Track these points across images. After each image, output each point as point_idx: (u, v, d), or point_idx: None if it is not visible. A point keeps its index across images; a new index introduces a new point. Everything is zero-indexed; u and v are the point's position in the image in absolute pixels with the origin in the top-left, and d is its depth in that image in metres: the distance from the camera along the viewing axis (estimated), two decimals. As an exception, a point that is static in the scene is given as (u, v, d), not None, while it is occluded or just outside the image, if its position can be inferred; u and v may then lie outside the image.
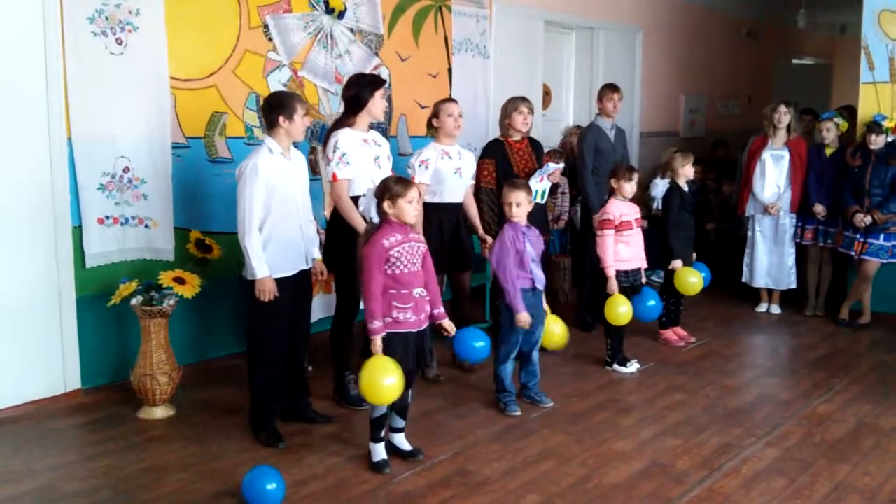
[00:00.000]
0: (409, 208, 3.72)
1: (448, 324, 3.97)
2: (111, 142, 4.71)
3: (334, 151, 4.46)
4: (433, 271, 3.93)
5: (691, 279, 5.63)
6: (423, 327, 3.85)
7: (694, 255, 5.92)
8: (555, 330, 4.71)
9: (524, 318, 4.42)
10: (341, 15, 5.85)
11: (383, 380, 3.55)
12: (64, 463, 3.90)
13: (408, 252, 3.74)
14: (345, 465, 3.87)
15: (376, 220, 3.80)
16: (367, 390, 3.60)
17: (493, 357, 4.65)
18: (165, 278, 4.48)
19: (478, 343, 4.31)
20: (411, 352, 3.81)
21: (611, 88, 6.15)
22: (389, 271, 3.71)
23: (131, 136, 4.78)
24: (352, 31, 5.94)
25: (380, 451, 3.84)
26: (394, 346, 3.73)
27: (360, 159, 4.51)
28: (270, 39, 5.44)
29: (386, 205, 3.71)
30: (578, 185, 6.22)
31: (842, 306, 6.58)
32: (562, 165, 5.69)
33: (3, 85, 4.34)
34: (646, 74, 8.97)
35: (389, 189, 3.71)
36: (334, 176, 4.46)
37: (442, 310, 3.95)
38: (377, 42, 6.14)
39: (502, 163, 5.41)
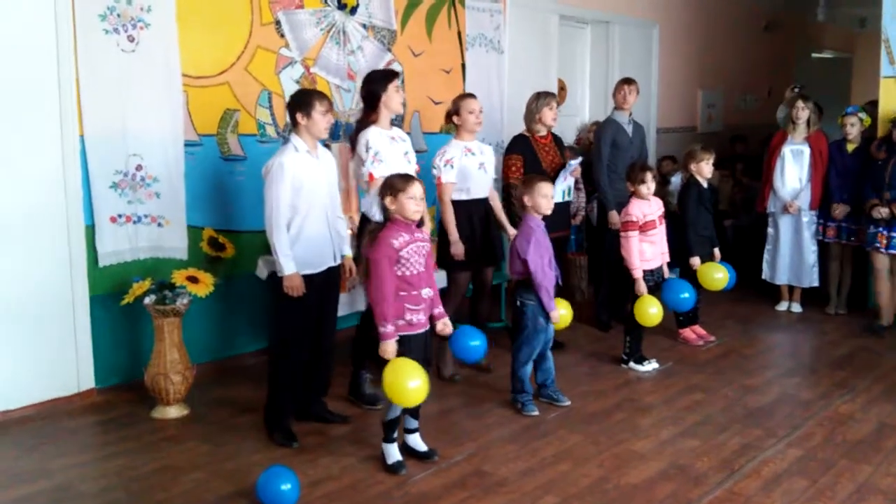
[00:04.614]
0: (411, 204, 3.65)
1: (448, 324, 3.90)
2: (123, 140, 4.70)
3: (367, 151, 4.45)
4: (432, 269, 3.89)
5: (716, 274, 5.54)
6: (427, 327, 3.82)
7: (718, 253, 5.84)
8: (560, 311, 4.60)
9: (557, 316, 4.46)
10: (353, 10, 5.82)
11: (408, 382, 3.49)
12: (78, 463, 3.90)
13: (415, 252, 3.70)
14: (360, 465, 3.84)
15: (378, 218, 3.75)
16: (392, 393, 3.53)
17: (512, 358, 4.60)
18: (178, 277, 4.46)
19: (473, 342, 4.05)
20: (421, 354, 3.76)
21: (623, 81, 6.11)
22: (399, 272, 3.66)
23: (143, 133, 4.77)
24: (364, 26, 5.90)
25: (394, 453, 3.80)
26: (409, 348, 3.69)
27: (391, 156, 4.50)
28: (283, 36, 5.41)
29: (388, 201, 3.66)
30: (593, 180, 6.17)
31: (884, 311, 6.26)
32: (580, 159, 5.65)
33: (16, 83, 4.33)
34: (662, 69, 8.89)
35: (391, 185, 3.67)
36: (371, 175, 4.43)
37: (441, 309, 3.89)
38: (390, 37, 6.10)
39: (530, 158, 5.38)
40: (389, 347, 3.62)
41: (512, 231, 5.18)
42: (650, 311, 5.05)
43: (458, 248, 4.87)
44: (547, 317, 4.48)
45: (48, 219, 4.49)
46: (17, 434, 4.22)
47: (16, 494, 3.57)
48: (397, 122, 6.03)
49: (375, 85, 4.53)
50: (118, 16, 4.60)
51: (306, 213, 4.04)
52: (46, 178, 4.47)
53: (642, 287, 5.15)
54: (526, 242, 4.44)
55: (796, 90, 6.66)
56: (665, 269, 5.38)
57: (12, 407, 4.43)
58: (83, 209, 4.60)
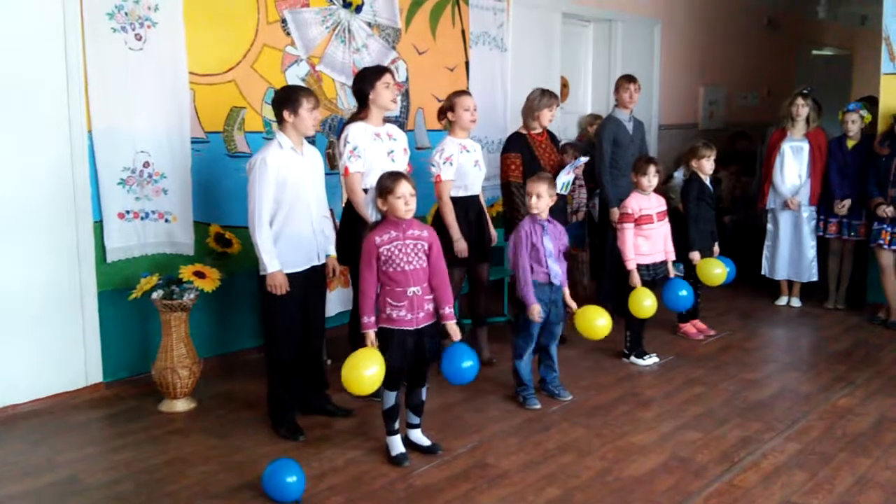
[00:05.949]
0: (399, 204, 3.65)
1: (453, 329, 3.81)
2: (131, 137, 4.75)
3: (345, 145, 4.49)
4: (442, 269, 3.81)
5: (715, 270, 5.59)
6: (420, 326, 3.76)
7: (717, 249, 5.88)
8: (601, 323, 4.56)
9: (535, 310, 4.43)
10: (359, 9, 5.86)
11: (363, 370, 3.54)
12: (86, 456, 3.94)
13: (400, 250, 3.68)
14: (364, 457, 3.89)
15: (373, 217, 3.80)
16: (346, 380, 3.58)
17: (511, 351, 4.65)
18: (186, 272, 4.50)
19: (465, 363, 3.77)
20: (409, 350, 3.76)
21: (626, 79, 6.13)
22: (383, 269, 3.69)
23: (151, 131, 4.81)
24: (369, 24, 5.94)
25: (397, 445, 3.85)
26: (389, 342, 3.71)
27: (373, 153, 4.52)
28: (288, 34, 5.45)
29: (379, 203, 3.70)
30: (596, 177, 6.21)
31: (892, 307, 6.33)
32: (587, 158, 5.69)
33: (25, 81, 4.37)
34: (664, 66, 8.92)
35: (381, 187, 3.70)
36: (346, 170, 4.48)
37: (449, 310, 3.80)
38: (394, 36, 6.14)
39: (528, 156, 5.40)
40: (369, 338, 3.69)
41: (493, 232, 5.23)
42: (644, 303, 5.08)
43: (461, 245, 4.88)
44: (551, 311, 4.54)
45: (57, 215, 4.53)
46: (25, 428, 4.27)
47: (24, 487, 3.60)
48: (401, 119, 6.10)
49: (364, 82, 4.56)
50: (126, 14, 4.65)
51: (289, 210, 4.04)
52: (55, 175, 4.51)
53: (636, 279, 5.20)
54: (511, 238, 4.55)
55: (805, 91, 6.69)
56: (670, 267, 5.41)
57: (20, 401, 4.48)
58: (91, 205, 4.65)
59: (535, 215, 4.50)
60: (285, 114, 4.03)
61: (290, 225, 4.06)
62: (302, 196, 4.09)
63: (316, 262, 4.22)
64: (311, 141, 4.30)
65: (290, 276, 4.04)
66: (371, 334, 3.70)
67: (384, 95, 4.55)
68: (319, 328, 4.38)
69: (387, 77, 4.57)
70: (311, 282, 4.20)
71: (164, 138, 4.87)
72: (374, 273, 3.70)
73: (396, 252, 3.68)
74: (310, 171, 4.16)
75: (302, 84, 5.39)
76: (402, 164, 4.62)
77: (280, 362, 4.15)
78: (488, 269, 5.30)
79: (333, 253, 4.37)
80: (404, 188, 3.66)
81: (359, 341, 4.60)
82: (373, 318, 3.70)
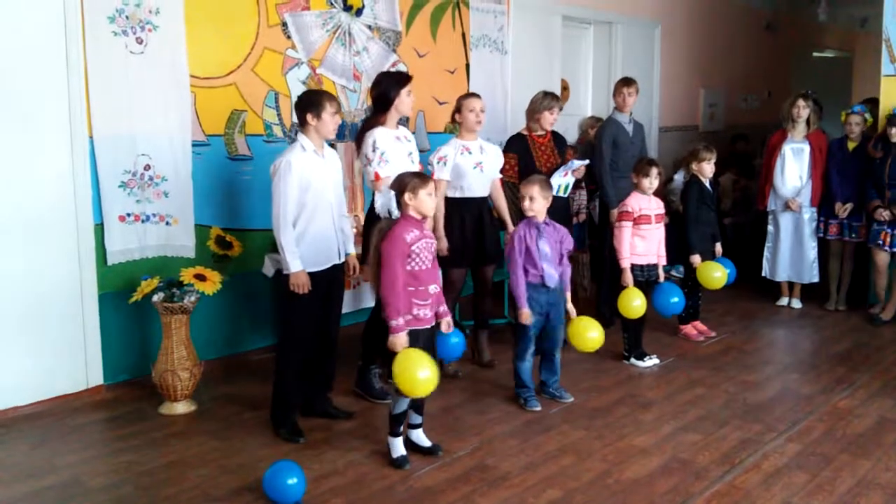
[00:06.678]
0: (429, 200, 3.73)
1: (448, 323, 3.95)
2: (132, 140, 4.76)
3: (374, 151, 4.50)
4: (438, 268, 3.93)
5: (715, 273, 5.59)
6: (433, 324, 3.86)
7: (720, 249, 5.89)
8: (592, 336, 4.58)
9: (525, 314, 4.46)
10: (359, 12, 5.87)
11: (419, 372, 3.54)
12: (86, 458, 3.94)
13: (425, 248, 3.75)
14: (365, 460, 3.89)
15: (396, 214, 3.81)
16: (402, 383, 3.56)
17: (512, 353, 4.65)
18: (186, 275, 4.51)
19: (453, 339, 4.13)
20: (428, 349, 3.78)
21: (622, 82, 6.15)
22: (409, 268, 3.70)
23: (152, 134, 4.82)
24: (369, 27, 5.96)
25: (399, 447, 3.85)
26: (417, 342, 3.72)
27: (396, 156, 4.55)
28: (289, 37, 5.46)
29: (407, 196, 3.71)
30: (596, 179, 6.22)
31: (887, 306, 6.39)
32: (587, 162, 5.69)
33: (26, 85, 4.38)
34: (664, 68, 8.93)
35: (409, 181, 3.73)
36: (377, 175, 4.48)
37: (445, 307, 3.94)
38: (395, 39, 6.15)
39: (525, 157, 5.42)
40: (399, 340, 3.65)
41: (511, 229, 5.23)
42: (633, 303, 5.09)
43: (441, 245, 4.87)
44: (550, 314, 4.54)
45: (58, 218, 4.54)
46: (27, 430, 4.27)
47: (25, 490, 3.61)
48: (402, 121, 6.10)
49: (389, 88, 4.58)
50: (127, 18, 4.66)
51: (312, 211, 4.09)
52: (56, 178, 4.52)
53: (629, 278, 5.21)
54: (508, 241, 4.56)
55: (806, 93, 6.71)
56: (660, 271, 5.42)
57: (21, 403, 4.48)
58: (92, 208, 4.65)
59: (531, 217, 4.50)
60: (309, 117, 4.08)
61: (313, 225, 4.11)
62: (325, 197, 4.14)
63: (337, 261, 4.27)
64: (330, 144, 4.34)
65: (312, 275, 4.07)
66: (404, 336, 3.67)
67: (406, 103, 4.61)
68: (336, 327, 4.40)
69: (410, 85, 4.62)
70: (331, 281, 4.24)
71: (165, 141, 4.88)
72: (404, 273, 3.70)
73: (423, 250, 3.74)
74: (330, 172, 4.22)
75: (306, 86, 5.41)
76: (417, 165, 4.68)
77: (294, 360, 4.17)
78: (492, 271, 5.30)
79: (353, 251, 4.41)
80: (432, 186, 3.78)
81: (380, 340, 4.63)
82: (404, 320, 3.69)
